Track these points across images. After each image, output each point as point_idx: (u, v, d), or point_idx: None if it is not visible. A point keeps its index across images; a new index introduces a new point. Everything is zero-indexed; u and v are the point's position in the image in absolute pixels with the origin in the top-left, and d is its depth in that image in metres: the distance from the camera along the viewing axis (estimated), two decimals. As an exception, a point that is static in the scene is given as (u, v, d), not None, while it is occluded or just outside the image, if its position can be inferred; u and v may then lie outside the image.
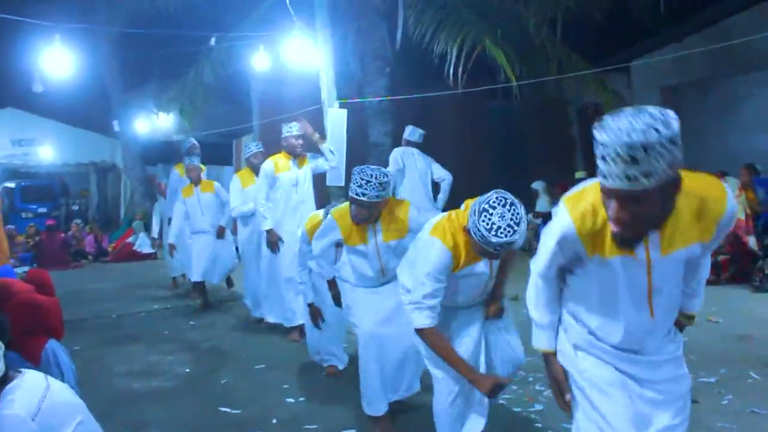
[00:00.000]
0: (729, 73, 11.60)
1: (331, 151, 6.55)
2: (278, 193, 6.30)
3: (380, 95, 9.76)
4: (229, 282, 8.69)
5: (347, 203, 4.01)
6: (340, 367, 5.25)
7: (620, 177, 1.87)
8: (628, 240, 2.07)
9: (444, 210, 4.18)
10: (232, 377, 5.30)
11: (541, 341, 2.45)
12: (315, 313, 4.97)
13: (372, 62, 9.96)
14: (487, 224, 2.82)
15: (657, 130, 1.84)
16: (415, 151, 8.38)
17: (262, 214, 6.28)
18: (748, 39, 7.96)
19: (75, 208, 20.79)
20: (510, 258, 3.39)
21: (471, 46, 8.35)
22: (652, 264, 2.12)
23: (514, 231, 2.82)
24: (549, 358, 2.43)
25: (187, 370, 5.60)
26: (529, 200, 10.84)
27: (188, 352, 6.16)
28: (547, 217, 9.41)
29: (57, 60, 7.89)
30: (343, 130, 8.68)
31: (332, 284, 4.36)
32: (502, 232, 2.80)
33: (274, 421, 4.28)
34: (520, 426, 4.06)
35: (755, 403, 4.17)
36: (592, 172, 2.19)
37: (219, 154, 15.57)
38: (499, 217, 2.81)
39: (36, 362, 3.64)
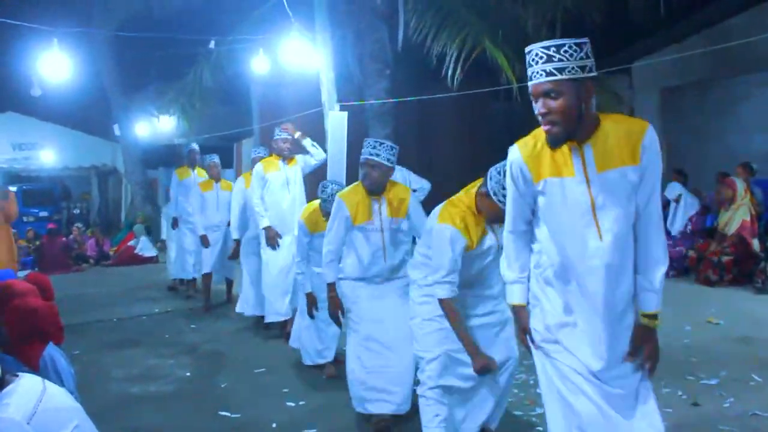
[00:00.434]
0: (728, 74, 11.57)
1: (313, 145, 6.68)
2: (269, 192, 6.47)
3: (380, 97, 9.75)
4: (229, 286, 8.66)
5: (351, 186, 4.24)
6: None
7: (539, 73, 2.30)
8: (558, 139, 2.36)
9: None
10: (231, 381, 5.29)
11: (513, 296, 2.71)
12: (312, 303, 5.12)
13: (372, 64, 9.94)
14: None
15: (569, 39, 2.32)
16: None
17: (258, 212, 6.45)
18: (747, 40, 7.95)
19: (76, 211, 20.80)
20: None
21: (471, 47, 8.34)
22: (590, 179, 2.37)
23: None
24: (520, 311, 2.69)
25: (187, 373, 5.58)
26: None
27: (188, 356, 6.14)
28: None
29: (55, 64, 7.89)
30: (344, 132, 8.68)
31: (332, 288, 4.32)
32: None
33: (274, 425, 4.26)
34: (522, 429, 4.04)
35: (757, 405, 4.16)
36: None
37: (220, 157, 15.55)
38: None
39: (34, 367, 3.62)
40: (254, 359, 5.87)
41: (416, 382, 3.72)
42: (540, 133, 2.47)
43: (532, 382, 4.83)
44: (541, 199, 2.49)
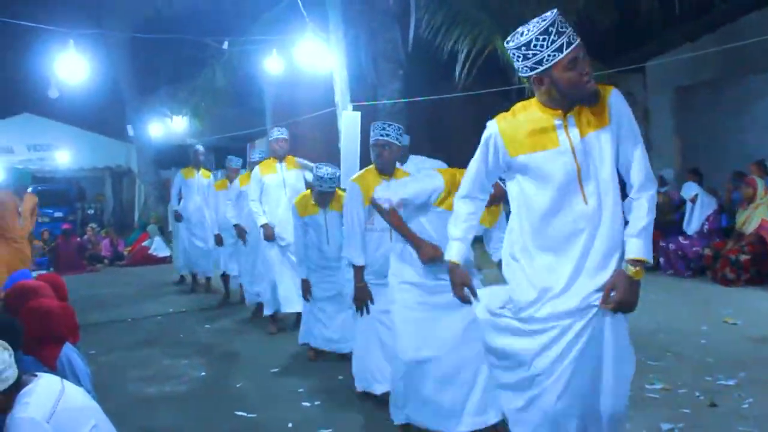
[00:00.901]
0: (742, 72, 11.48)
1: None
2: (266, 195, 6.60)
3: (393, 97, 9.76)
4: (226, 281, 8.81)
5: (361, 171, 4.46)
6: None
7: (574, 37, 2.38)
8: (594, 94, 2.45)
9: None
10: (246, 381, 5.30)
11: (452, 253, 2.83)
12: (307, 288, 5.55)
13: (385, 64, 9.96)
14: None
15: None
16: None
17: (255, 212, 6.59)
18: (761, 39, 7.89)
19: (91, 212, 20.92)
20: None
21: (482, 46, 8.33)
22: (574, 147, 2.47)
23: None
24: (455, 268, 2.83)
25: (202, 373, 5.60)
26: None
27: (202, 356, 6.16)
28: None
29: (71, 66, 7.97)
30: (357, 132, 8.68)
31: (359, 275, 4.25)
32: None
33: (290, 425, 4.27)
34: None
35: (776, 406, 4.12)
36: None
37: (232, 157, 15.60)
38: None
39: (52, 367, 3.64)
40: (268, 359, 5.88)
41: None
42: (519, 109, 2.58)
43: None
44: (518, 176, 2.59)
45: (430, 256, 3.48)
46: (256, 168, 6.72)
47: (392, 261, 3.78)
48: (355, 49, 10.28)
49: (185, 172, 9.25)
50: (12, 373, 2.59)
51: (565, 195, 2.50)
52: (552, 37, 2.36)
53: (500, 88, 9.66)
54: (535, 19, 2.40)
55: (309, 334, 5.74)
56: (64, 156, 18.46)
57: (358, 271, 4.25)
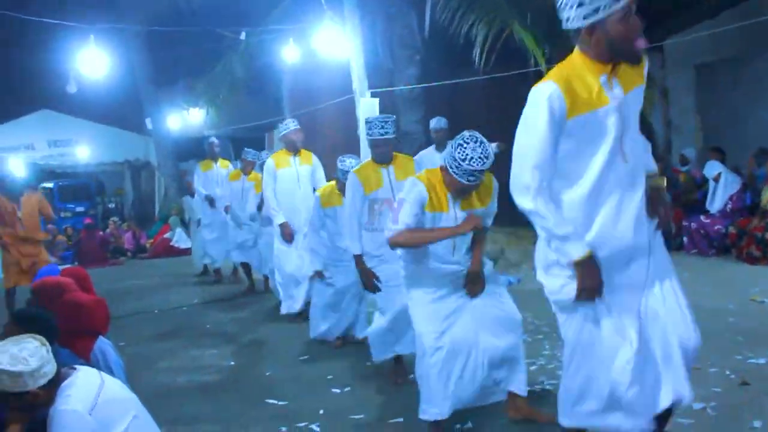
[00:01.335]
0: (762, 48, 11.31)
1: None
2: (281, 188, 6.57)
3: (410, 83, 9.73)
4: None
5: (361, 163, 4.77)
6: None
7: None
8: (640, 53, 2.44)
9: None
10: (275, 369, 5.35)
11: (579, 249, 2.51)
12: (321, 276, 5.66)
13: (401, 50, 9.93)
14: (462, 155, 3.32)
15: None
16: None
17: (272, 208, 6.58)
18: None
19: (111, 206, 21.12)
20: (481, 237, 3.71)
21: (499, 30, 8.27)
22: (620, 103, 2.45)
23: (484, 162, 3.33)
24: (592, 261, 2.52)
25: (231, 363, 5.66)
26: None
27: (230, 346, 6.23)
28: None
29: (92, 60, 8.03)
30: (376, 119, 8.66)
31: (359, 261, 4.51)
32: (475, 162, 3.31)
33: (321, 411, 4.31)
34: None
35: (808, 384, 4.09)
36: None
37: (250, 147, 15.64)
38: (471, 150, 3.33)
39: (87, 360, 3.69)
40: (296, 347, 5.93)
41: None
42: (565, 68, 2.50)
43: (559, 354, 4.82)
44: (565, 139, 2.48)
45: (475, 224, 3.46)
46: (270, 161, 6.67)
47: (404, 284, 3.82)
48: (372, 35, 10.24)
49: (203, 165, 9.33)
50: (51, 368, 2.62)
51: (610, 155, 2.47)
52: None
53: (518, 71, 9.60)
54: None
55: (317, 328, 5.84)
56: (84, 151, 18.66)
57: (359, 258, 4.51)
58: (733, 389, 4.11)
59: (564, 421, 2.74)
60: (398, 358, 4.75)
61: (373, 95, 8.99)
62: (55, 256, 12.24)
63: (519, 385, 3.75)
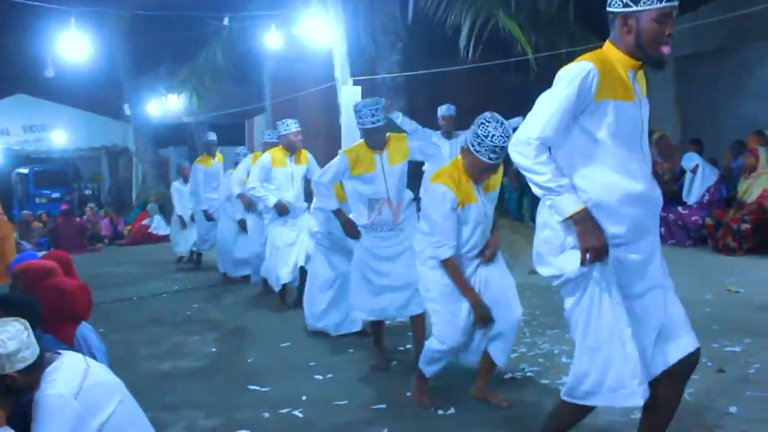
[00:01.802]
0: (742, 41, 11.44)
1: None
2: (273, 186, 6.52)
3: (393, 71, 9.72)
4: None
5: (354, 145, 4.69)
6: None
7: None
8: (664, 60, 2.49)
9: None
10: (258, 356, 5.35)
11: (573, 203, 2.49)
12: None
13: (384, 38, 9.91)
14: (485, 132, 3.50)
15: None
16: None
17: (260, 196, 6.52)
18: (761, 7, 7.86)
19: (88, 192, 20.93)
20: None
21: (485, 19, 8.29)
22: (642, 104, 2.58)
23: (506, 140, 3.42)
24: (588, 217, 2.51)
25: (213, 349, 5.65)
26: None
27: (212, 332, 6.21)
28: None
29: (73, 44, 7.92)
30: (358, 107, 8.65)
31: (340, 213, 4.72)
32: (497, 139, 3.48)
33: (304, 398, 4.31)
34: (550, 397, 4.08)
35: (783, 371, 4.19)
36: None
37: (231, 134, 15.59)
38: (493, 128, 3.51)
39: (70, 345, 3.67)
40: (278, 334, 5.93)
41: None
42: (603, 56, 2.52)
43: (556, 351, 4.88)
44: (589, 122, 2.50)
45: (483, 315, 3.73)
46: (266, 157, 6.59)
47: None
48: (354, 22, 10.20)
49: (203, 162, 9.21)
50: (31, 353, 2.59)
51: (631, 150, 2.54)
52: None
53: (501, 61, 9.63)
54: None
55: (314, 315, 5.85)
56: (60, 136, 18.44)
57: (339, 212, 4.71)
58: (711, 376, 4.19)
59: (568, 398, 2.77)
60: (379, 342, 4.85)
61: (356, 83, 8.97)
62: (30, 242, 12.10)
63: (498, 354, 3.90)
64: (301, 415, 4.07)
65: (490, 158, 3.53)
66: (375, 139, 4.51)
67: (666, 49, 2.45)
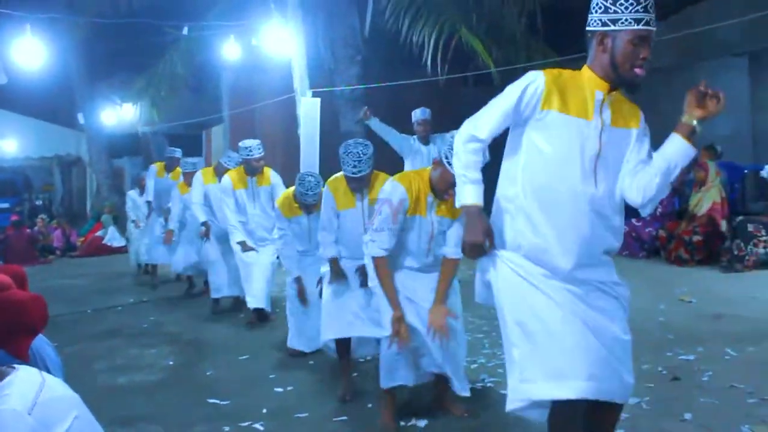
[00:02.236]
0: (692, 59, 11.79)
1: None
2: (233, 209, 6.46)
3: (351, 83, 9.74)
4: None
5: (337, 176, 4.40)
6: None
7: (653, 21, 2.41)
8: (638, 82, 2.49)
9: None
10: (217, 368, 5.29)
11: (471, 195, 2.58)
12: (301, 287, 5.36)
13: (343, 50, 9.92)
14: None
15: None
16: None
17: (231, 226, 6.46)
18: (709, 27, 8.12)
19: (39, 202, 20.45)
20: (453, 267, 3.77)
21: (448, 34, 8.39)
22: (603, 127, 2.51)
23: None
24: (478, 212, 2.56)
25: (171, 362, 5.57)
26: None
27: (170, 345, 6.12)
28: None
29: (27, 51, 7.75)
30: (317, 118, 8.67)
31: (335, 263, 4.46)
32: None
33: (264, 410, 4.28)
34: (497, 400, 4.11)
35: (734, 378, 4.30)
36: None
37: (188, 145, 15.39)
38: None
39: (24, 359, 3.58)
40: (237, 346, 5.88)
41: None
42: (568, 72, 2.57)
43: (499, 353, 4.92)
44: (533, 132, 2.52)
45: (397, 330, 3.60)
46: (227, 179, 6.49)
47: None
48: (314, 34, 10.21)
49: (174, 175, 8.76)
50: None
51: (579, 170, 2.49)
52: (638, 7, 2.39)
53: (460, 74, 9.75)
54: None
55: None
56: (11, 145, 18.01)
57: (335, 261, 4.44)
58: (665, 384, 4.29)
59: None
60: (346, 371, 4.56)
61: (315, 95, 8.98)
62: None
63: (457, 384, 3.85)
64: (261, 428, 4.03)
65: None
66: (353, 186, 4.30)
67: (640, 72, 2.46)
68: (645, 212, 2.74)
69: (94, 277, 10.49)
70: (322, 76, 10.12)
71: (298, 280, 5.34)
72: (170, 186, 8.58)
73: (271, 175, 6.55)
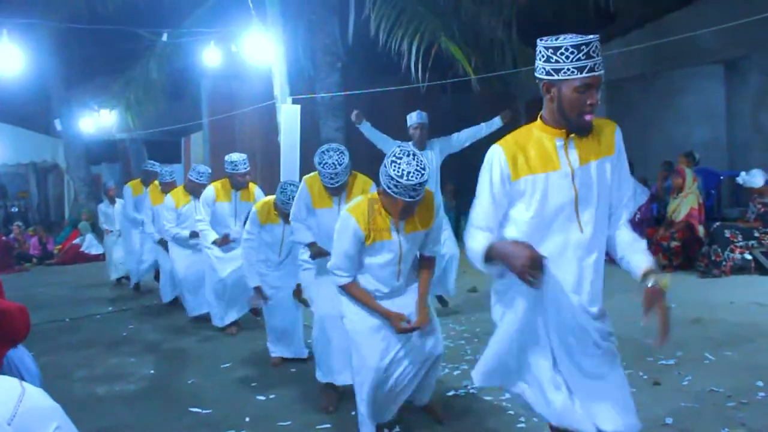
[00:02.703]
0: (670, 67, 11.97)
1: None
2: (213, 221, 6.43)
3: (332, 91, 9.75)
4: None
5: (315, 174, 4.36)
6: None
7: (600, 66, 2.37)
8: (588, 127, 2.45)
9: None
10: (198, 377, 5.25)
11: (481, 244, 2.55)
12: (260, 296, 5.39)
13: (323, 57, 9.93)
14: (398, 171, 3.21)
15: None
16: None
17: (203, 230, 6.42)
18: (687, 35, 8.23)
19: (14, 209, 20.15)
20: (429, 268, 3.77)
21: (428, 42, 8.43)
22: (574, 171, 2.48)
23: (422, 174, 3.22)
24: (505, 245, 2.52)
25: (151, 371, 5.51)
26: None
27: (150, 354, 6.06)
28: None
29: (4, 56, 7.66)
30: (297, 126, 8.65)
31: (314, 246, 4.50)
32: (412, 176, 3.20)
33: (247, 419, 4.25)
34: (493, 414, 4.13)
35: (713, 382, 4.35)
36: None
37: (167, 152, 15.31)
38: (406, 164, 3.22)
39: None
40: (218, 355, 5.84)
41: None
42: (521, 132, 2.57)
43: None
44: (518, 201, 2.54)
45: (402, 327, 3.51)
46: (210, 190, 6.41)
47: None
48: (294, 42, 10.21)
49: (133, 187, 8.79)
50: None
51: (561, 221, 2.50)
52: (580, 55, 2.34)
53: (439, 81, 9.79)
54: (575, 35, 2.37)
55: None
56: (-15, 152, 17.69)
57: (313, 244, 4.49)
58: (647, 389, 4.33)
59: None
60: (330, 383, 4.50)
61: (295, 102, 8.96)
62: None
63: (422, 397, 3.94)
64: (244, 437, 4.01)
65: (411, 197, 3.25)
66: (332, 192, 4.28)
67: (588, 117, 2.42)
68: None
69: (71, 286, 10.36)
70: (302, 84, 10.12)
71: (257, 290, 5.36)
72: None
73: (256, 192, 6.49)
